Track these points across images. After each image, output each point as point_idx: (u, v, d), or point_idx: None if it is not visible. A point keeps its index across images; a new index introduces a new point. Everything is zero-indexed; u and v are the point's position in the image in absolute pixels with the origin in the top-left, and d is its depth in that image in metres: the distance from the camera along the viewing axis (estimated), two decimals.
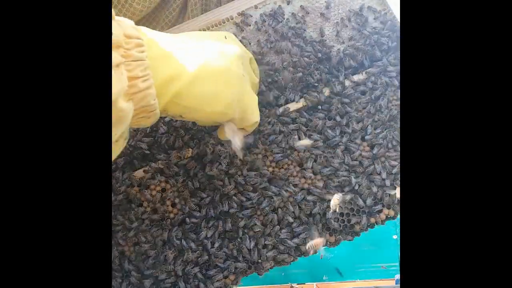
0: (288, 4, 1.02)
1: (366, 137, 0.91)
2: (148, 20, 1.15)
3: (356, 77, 0.95)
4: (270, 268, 0.88)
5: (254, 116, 0.76)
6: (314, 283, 1.92)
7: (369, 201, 0.87)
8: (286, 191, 0.89)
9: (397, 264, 1.84)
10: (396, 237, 1.89)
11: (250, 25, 1.01)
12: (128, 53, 0.56)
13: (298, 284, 1.91)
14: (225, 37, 0.77)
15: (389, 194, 0.87)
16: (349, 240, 0.89)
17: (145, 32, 0.64)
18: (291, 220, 0.88)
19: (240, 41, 0.93)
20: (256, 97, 0.78)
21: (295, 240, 0.87)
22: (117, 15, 1.07)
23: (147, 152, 0.94)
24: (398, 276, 1.84)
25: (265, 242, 0.87)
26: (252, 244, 0.87)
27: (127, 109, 0.55)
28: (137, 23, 1.14)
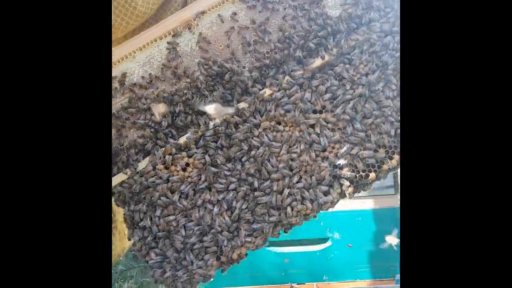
0: None
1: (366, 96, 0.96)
2: (154, 19, 1.16)
3: (353, 38, 0.99)
4: (296, 223, 0.93)
5: None
6: (314, 283, 1.92)
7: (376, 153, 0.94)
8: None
9: (397, 264, 1.85)
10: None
11: (248, 2, 1.04)
12: None
13: (298, 284, 1.91)
14: None
15: (392, 145, 0.93)
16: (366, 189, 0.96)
17: None
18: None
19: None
20: None
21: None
22: (122, 19, 1.09)
23: (166, 131, 0.98)
24: (398, 276, 1.84)
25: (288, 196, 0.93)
26: (277, 197, 0.93)
27: None
28: (143, 24, 1.15)
